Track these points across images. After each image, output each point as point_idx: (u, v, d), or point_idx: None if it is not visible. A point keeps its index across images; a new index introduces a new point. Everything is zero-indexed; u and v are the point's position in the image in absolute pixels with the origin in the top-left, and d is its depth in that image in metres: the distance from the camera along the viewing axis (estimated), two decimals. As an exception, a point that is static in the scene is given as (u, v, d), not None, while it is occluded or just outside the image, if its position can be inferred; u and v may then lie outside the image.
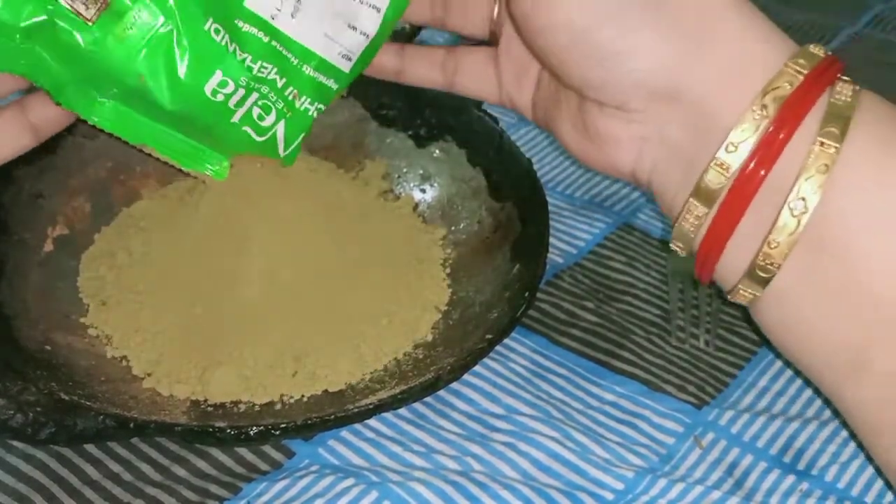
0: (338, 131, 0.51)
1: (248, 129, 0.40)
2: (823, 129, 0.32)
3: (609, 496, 0.38)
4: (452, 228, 0.48)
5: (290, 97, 0.39)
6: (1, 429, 0.35)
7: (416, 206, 0.49)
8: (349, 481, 0.37)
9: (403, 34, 0.50)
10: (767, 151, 0.32)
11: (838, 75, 0.33)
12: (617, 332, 0.45)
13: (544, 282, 0.47)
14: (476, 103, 0.49)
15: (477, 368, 0.41)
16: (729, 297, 0.35)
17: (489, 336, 0.39)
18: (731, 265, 0.34)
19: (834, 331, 0.33)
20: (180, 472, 0.38)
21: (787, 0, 0.69)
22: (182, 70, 0.36)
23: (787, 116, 0.32)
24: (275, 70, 0.38)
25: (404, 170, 0.50)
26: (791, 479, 0.38)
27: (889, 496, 0.38)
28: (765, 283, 0.33)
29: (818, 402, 0.42)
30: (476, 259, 0.46)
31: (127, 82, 0.36)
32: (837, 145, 0.31)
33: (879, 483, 0.38)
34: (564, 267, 0.48)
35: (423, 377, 0.39)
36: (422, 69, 0.42)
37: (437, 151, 0.50)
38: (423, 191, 0.50)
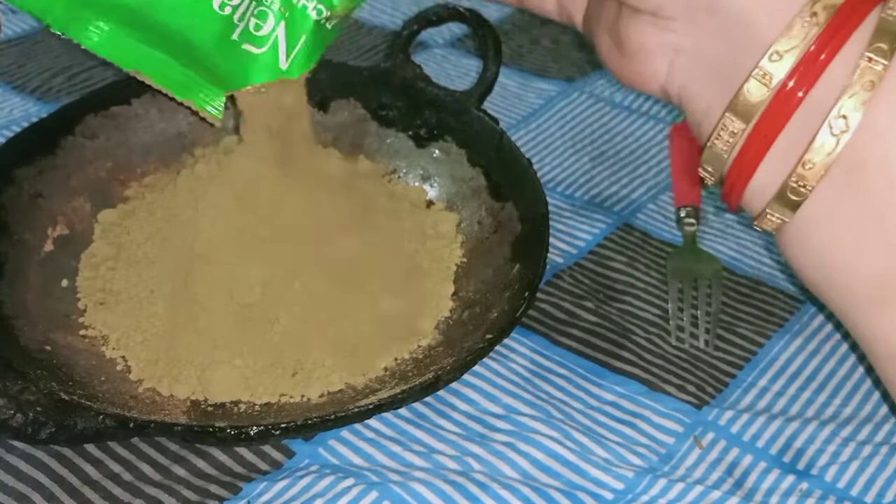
0: (338, 132, 0.51)
1: (247, 45, 0.38)
2: (872, 44, 0.30)
3: (609, 496, 0.38)
4: (452, 228, 0.48)
5: None
6: (1, 429, 0.35)
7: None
8: (349, 481, 0.37)
9: (402, 36, 0.50)
10: (815, 62, 0.31)
11: None
12: (617, 332, 0.45)
13: (544, 282, 0.47)
14: (476, 103, 0.49)
15: (477, 368, 0.41)
16: (755, 223, 0.34)
17: (489, 336, 0.39)
18: (760, 189, 0.33)
19: (862, 259, 0.32)
20: (180, 472, 0.38)
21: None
22: None
23: (840, 24, 0.30)
24: None
25: (404, 170, 0.50)
26: (791, 478, 0.38)
27: (889, 496, 0.38)
28: (795, 206, 0.32)
29: (818, 403, 0.42)
30: (476, 259, 0.46)
31: (125, 2, 0.35)
32: (886, 62, 0.30)
33: (879, 483, 0.38)
34: (564, 267, 0.48)
35: (423, 377, 0.39)
36: None
37: (437, 151, 0.50)
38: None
